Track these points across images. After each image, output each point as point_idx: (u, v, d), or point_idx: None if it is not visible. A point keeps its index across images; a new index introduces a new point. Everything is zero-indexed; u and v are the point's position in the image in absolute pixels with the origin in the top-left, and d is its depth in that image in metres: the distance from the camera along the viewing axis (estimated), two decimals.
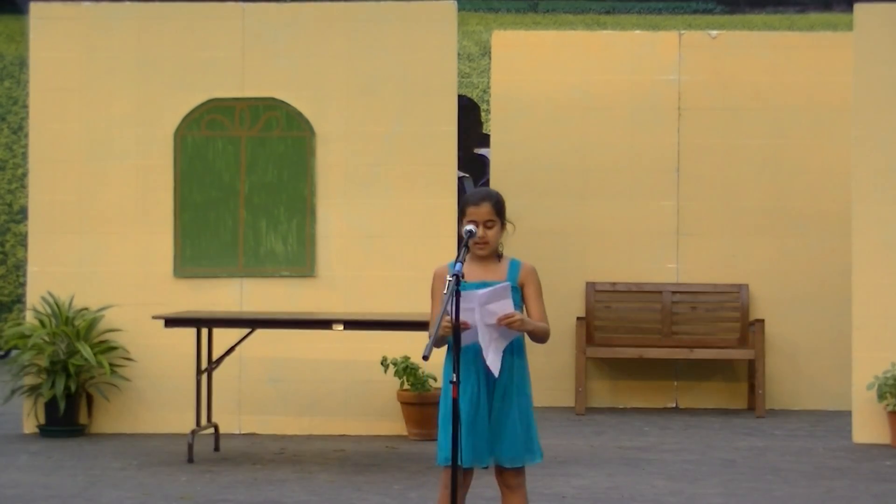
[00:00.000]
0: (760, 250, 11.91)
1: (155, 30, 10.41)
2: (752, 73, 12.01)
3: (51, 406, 9.99)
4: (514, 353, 5.51)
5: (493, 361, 5.37)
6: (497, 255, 5.57)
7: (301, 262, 10.25)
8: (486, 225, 5.49)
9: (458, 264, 5.26)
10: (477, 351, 5.40)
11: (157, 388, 10.24)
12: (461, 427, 5.25)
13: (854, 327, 9.98)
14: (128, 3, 10.59)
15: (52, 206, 10.33)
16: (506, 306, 5.34)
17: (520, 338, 5.53)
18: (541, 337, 5.53)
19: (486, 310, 5.30)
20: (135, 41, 10.39)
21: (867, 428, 9.86)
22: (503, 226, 5.55)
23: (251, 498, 7.79)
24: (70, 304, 10.17)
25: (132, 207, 10.33)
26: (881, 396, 9.66)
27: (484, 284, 5.37)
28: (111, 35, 10.40)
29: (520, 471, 5.55)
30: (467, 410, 5.41)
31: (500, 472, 5.55)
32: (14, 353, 10.49)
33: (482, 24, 16.85)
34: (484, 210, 5.49)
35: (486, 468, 5.54)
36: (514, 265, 5.58)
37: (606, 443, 9.92)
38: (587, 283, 11.96)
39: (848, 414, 10.12)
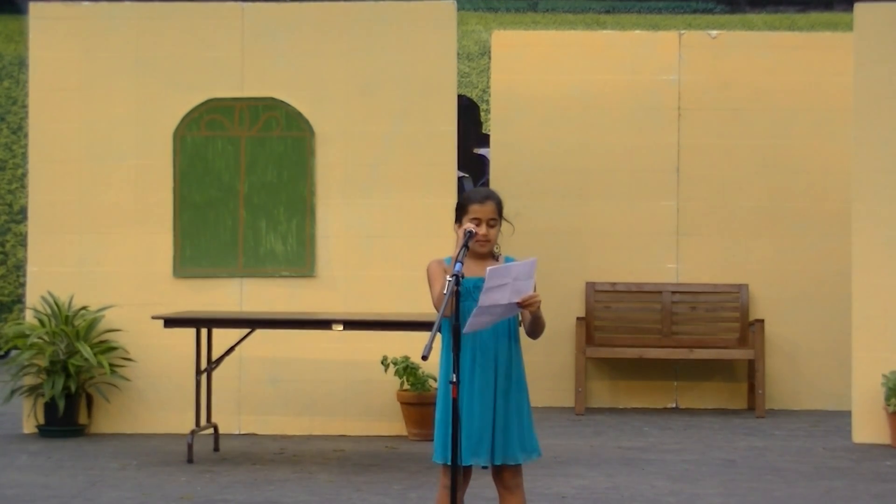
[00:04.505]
0: (760, 250, 11.91)
1: (154, 30, 10.41)
2: (752, 73, 12.00)
3: (50, 406, 9.99)
4: (512, 342, 5.50)
5: (472, 324, 5.24)
6: (493, 255, 5.57)
7: (301, 262, 10.25)
8: (489, 223, 5.50)
9: (459, 264, 5.25)
10: (487, 342, 5.40)
11: (156, 388, 10.24)
12: (461, 424, 5.25)
13: (854, 327, 9.98)
14: (127, 3, 10.58)
15: (52, 206, 10.33)
16: (530, 286, 5.28)
17: (516, 328, 5.52)
18: (540, 331, 5.51)
19: (516, 285, 5.22)
20: (134, 41, 10.39)
21: (867, 428, 9.86)
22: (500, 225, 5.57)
23: (251, 498, 7.79)
24: (70, 303, 10.16)
25: (132, 207, 10.33)
26: (888, 397, 9.63)
27: (482, 281, 5.35)
28: (111, 35, 10.40)
29: (518, 470, 5.54)
30: (479, 405, 5.41)
31: (498, 472, 5.53)
32: (14, 353, 10.48)
33: (482, 23, 16.84)
34: (489, 209, 5.50)
35: (486, 468, 5.53)
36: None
37: (606, 443, 9.91)
38: (587, 283, 11.95)
39: (848, 414, 10.12)
